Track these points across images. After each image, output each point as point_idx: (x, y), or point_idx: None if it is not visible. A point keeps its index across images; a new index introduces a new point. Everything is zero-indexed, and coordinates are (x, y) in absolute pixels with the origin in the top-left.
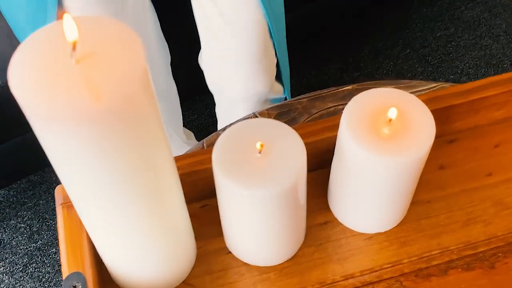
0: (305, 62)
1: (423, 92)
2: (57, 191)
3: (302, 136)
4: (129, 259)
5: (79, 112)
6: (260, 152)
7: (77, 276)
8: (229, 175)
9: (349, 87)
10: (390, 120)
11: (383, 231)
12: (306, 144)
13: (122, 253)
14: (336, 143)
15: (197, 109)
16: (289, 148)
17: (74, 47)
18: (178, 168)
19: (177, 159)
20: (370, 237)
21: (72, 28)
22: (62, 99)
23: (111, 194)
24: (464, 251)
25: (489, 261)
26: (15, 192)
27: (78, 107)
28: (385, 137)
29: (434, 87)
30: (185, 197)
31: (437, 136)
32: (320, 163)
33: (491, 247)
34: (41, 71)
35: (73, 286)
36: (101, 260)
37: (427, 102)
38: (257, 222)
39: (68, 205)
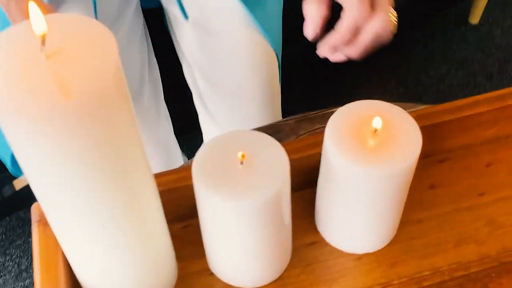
0: (297, 98)
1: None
2: (33, 208)
3: (287, 153)
4: (106, 280)
5: (48, 108)
6: (242, 163)
7: None
8: (209, 185)
9: (337, 109)
10: (375, 130)
11: (372, 251)
12: (291, 161)
13: (98, 274)
14: (321, 156)
15: (192, 144)
16: (272, 157)
17: (43, 41)
18: (158, 185)
19: (157, 175)
20: (359, 257)
21: (39, 20)
22: (30, 95)
23: (82, 200)
24: (456, 271)
25: (482, 281)
26: (4, 230)
27: (47, 103)
28: (370, 148)
29: (423, 108)
30: (166, 217)
31: (428, 156)
32: (306, 182)
33: (484, 268)
34: (9, 67)
35: None
36: (77, 280)
37: (416, 119)
38: (240, 237)
39: (44, 222)
